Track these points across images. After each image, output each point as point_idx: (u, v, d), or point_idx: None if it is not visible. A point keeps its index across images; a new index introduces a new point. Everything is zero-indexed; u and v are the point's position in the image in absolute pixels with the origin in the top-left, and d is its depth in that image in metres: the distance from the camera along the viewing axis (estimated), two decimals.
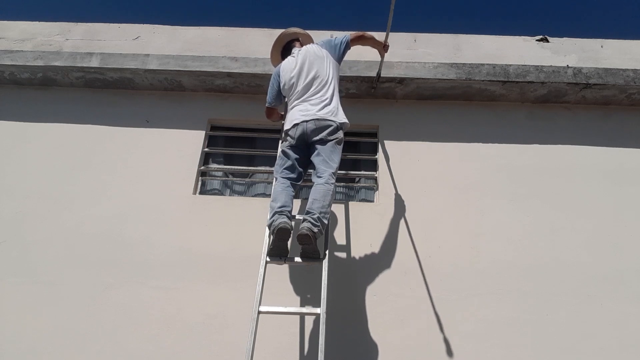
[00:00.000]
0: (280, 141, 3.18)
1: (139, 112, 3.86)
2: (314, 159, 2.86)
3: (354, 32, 3.25)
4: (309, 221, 2.56)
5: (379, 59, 3.48)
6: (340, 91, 3.55)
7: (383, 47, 3.34)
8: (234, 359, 2.78)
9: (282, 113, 3.32)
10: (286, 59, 3.25)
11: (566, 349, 2.92)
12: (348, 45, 3.20)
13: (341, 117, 2.93)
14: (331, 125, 2.85)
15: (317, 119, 2.86)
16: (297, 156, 2.92)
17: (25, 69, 3.85)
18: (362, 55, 3.68)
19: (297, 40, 3.40)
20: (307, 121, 2.87)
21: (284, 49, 3.41)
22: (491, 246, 3.26)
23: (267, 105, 3.27)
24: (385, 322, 2.97)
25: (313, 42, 3.37)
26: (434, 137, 3.70)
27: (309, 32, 3.52)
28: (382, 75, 3.61)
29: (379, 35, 3.34)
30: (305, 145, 2.93)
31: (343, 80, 3.59)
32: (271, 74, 3.33)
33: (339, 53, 3.17)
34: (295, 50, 3.25)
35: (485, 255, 3.22)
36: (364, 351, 2.89)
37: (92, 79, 3.89)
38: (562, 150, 3.66)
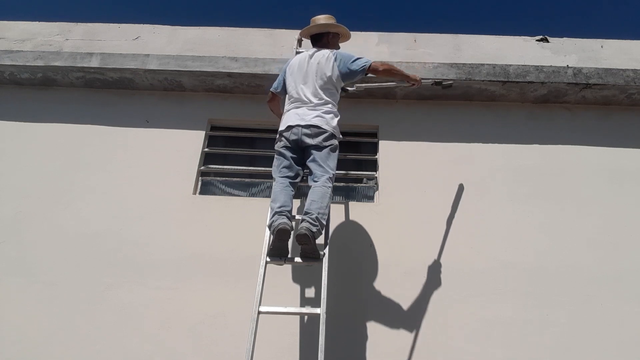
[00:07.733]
0: (275, 142, 3.18)
1: (139, 112, 3.86)
2: (310, 164, 2.86)
3: (379, 62, 3.00)
4: (308, 221, 2.57)
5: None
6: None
7: (416, 82, 3.09)
8: (234, 359, 2.78)
9: (282, 111, 3.30)
10: (301, 55, 3.20)
11: (566, 349, 2.92)
12: (364, 70, 2.94)
13: (334, 125, 2.91)
14: (325, 132, 2.85)
15: (312, 125, 2.85)
16: (293, 155, 2.92)
17: (25, 69, 3.85)
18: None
19: (328, 34, 3.25)
20: (302, 126, 2.87)
21: (313, 37, 3.30)
22: (491, 246, 3.26)
23: (270, 89, 3.26)
24: (385, 322, 2.97)
25: (349, 38, 3.32)
26: (434, 137, 3.70)
27: (307, 32, 3.33)
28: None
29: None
30: (300, 149, 2.92)
31: None
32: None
33: (349, 72, 2.98)
34: (312, 51, 3.17)
35: (485, 255, 3.22)
36: (363, 351, 2.89)
37: (92, 79, 3.89)
38: (562, 150, 3.65)
